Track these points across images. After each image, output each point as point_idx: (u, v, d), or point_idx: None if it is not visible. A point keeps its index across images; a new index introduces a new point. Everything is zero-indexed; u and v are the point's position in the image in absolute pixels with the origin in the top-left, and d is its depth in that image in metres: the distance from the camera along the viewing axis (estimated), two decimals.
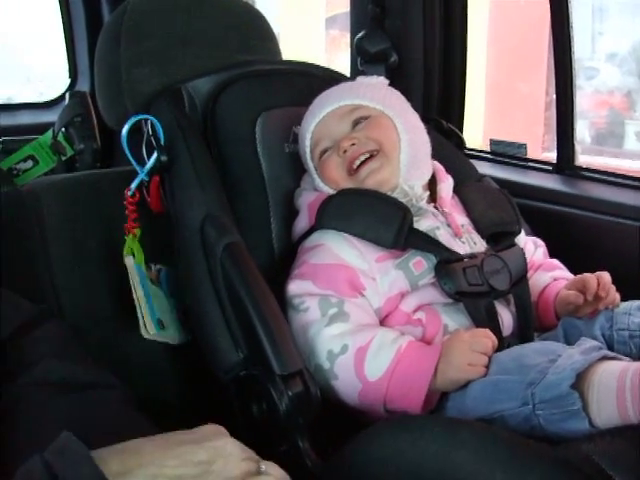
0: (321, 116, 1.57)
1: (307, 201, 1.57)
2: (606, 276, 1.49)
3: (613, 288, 1.48)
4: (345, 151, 1.52)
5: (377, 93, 1.60)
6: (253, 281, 1.39)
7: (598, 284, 1.47)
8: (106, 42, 1.72)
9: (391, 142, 1.54)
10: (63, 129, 2.15)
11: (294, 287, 1.45)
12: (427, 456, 1.11)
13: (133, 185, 1.51)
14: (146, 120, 1.57)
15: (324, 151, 1.56)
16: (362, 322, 1.39)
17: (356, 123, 1.55)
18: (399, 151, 1.54)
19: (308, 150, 1.58)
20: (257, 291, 1.38)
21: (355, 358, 1.34)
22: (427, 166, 1.62)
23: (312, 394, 1.31)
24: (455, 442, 1.11)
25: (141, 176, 1.52)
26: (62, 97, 2.73)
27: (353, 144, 1.52)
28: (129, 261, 1.51)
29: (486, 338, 1.32)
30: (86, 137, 2.16)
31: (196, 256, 1.44)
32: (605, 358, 1.17)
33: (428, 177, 1.61)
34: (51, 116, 2.41)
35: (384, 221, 1.46)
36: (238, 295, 1.38)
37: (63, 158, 2.14)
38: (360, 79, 1.68)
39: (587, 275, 1.51)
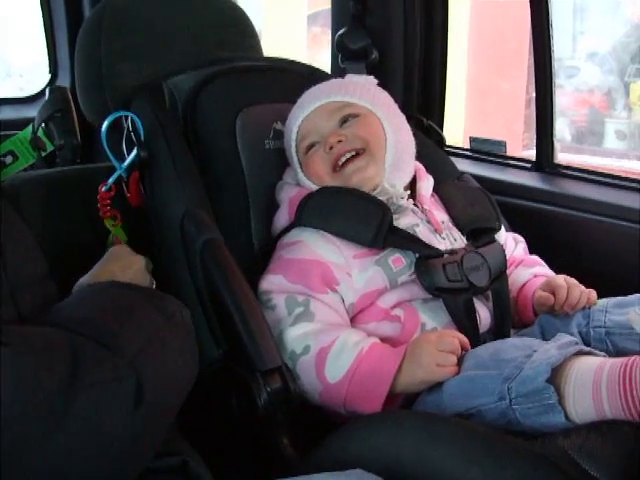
0: (309, 110, 1.57)
1: (288, 196, 1.57)
2: (574, 291, 1.49)
3: (585, 292, 1.49)
4: (332, 147, 1.52)
5: (366, 92, 1.60)
6: (232, 277, 1.40)
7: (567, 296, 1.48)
8: (87, 37, 1.72)
9: (378, 142, 1.55)
10: (43, 124, 2.13)
11: (264, 283, 1.45)
12: (404, 452, 1.12)
13: (110, 180, 1.51)
14: (126, 116, 1.57)
15: (310, 146, 1.56)
16: (328, 321, 1.39)
17: (344, 120, 1.56)
18: (385, 151, 1.55)
19: (294, 144, 1.59)
20: (236, 287, 1.38)
21: (316, 359, 1.34)
22: (410, 167, 1.63)
23: (291, 390, 1.32)
24: (432, 438, 1.11)
25: (119, 172, 1.52)
26: (42, 92, 2.70)
27: (340, 141, 1.52)
28: None
29: (453, 337, 1.32)
30: (66, 133, 2.14)
31: (176, 252, 1.45)
32: (581, 353, 1.18)
33: (410, 178, 1.62)
34: (31, 111, 2.39)
35: (363, 220, 1.46)
36: (217, 291, 1.38)
37: (43, 154, 2.12)
38: (349, 77, 1.68)
39: (558, 282, 1.51)
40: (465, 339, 1.33)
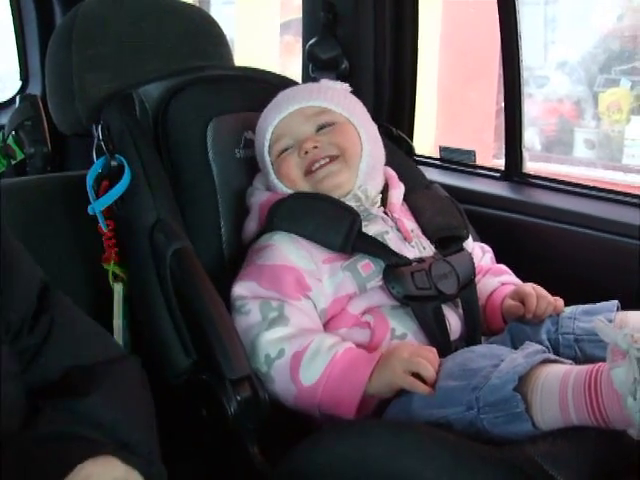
0: (287, 112, 1.57)
1: (259, 201, 1.58)
2: (541, 302, 1.50)
3: (551, 302, 1.50)
4: (306, 152, 1.52)
5: (344, 99, 1.61)
6: (202, 286, 1.40)
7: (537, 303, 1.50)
8: (57, 46, 1.71)
9: (353, 151, 1.55)
10: (13, 132, 2.13)
11: (238, 289, 1.45)
12: (373, 461, 1.12)
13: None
14: (96, 125, 1.57)
15: (284, 149, 1.56)
16: (303, 326, 1.40)
17: (321, 127, 1.56)
18: (359, 160, 1.55)
19: (267, 144, 1.58)
20: (206, 296, 1.39)
21: (291, 363, 1.35)
22: (381, 176, 1.64)
23: (261, 399, 1.33)
24: (400, 446, 1.12)
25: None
26: (12, 100, 2.70)
27: (315, 147, 1.52)
28: (118, 287, 1.51)
29: (424, 360, 1.29)
30: (37, 141, 2.14)
31: (145, 261, 1.45)
32: (548, 361, 1.19)
33: (381, 187, 1.62)
34: (1, 119, 2.39)
35: (333, 225, 1.47)
36: (187, 300, 1.39)
37: (13, 162, 2.12)
38: (325, 82, 1.68)
39: (527, 291, 1.53)
40: (436, 359, 1.31)
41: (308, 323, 1.42)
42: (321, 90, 1.61)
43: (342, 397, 1.32)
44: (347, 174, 1.54)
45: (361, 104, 1.67)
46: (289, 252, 1.46)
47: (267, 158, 1.58)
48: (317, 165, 1.53)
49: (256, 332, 1.39)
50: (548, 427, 1.14)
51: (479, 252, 1.73)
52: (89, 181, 1.51)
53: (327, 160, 1.53)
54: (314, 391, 1.33)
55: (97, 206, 1.50)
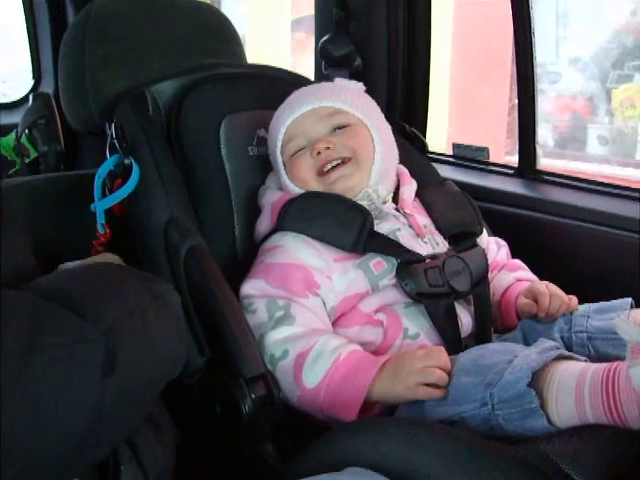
0: (300, 113, 1.56)
1: (270, 201, 1.57)
2: (555, 301, 1.49)
3: (565, 301, 1.49)
4: (319, 153, 1.51)
5: (357, 100, 1.60)
6: (216, 284, 1.40)
7: (550, 302, 1.49)
8: (70, 44, 1.72)
9: (366, 153, 1.54)
10: (26, 131, 2.14)
11: (246, 287, 1.45)
12: (387, 459, 1.11)
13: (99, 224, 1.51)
14: (109, 123, 1.57)
15: (297, 150, 1.55)
16: (309, 325, 1.39)
17: (335, 128, 1.55)
18: (372, 162, 1.54)
19: (280, 144, 1.57)
20: (220, 294, 1.38)
21: (294, 364, 1.34)
22: (393, 176, 1.63)
23: (275, 397, 1.32)
24: (415, 444, 1.11)
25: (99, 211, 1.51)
26: (26, 98, 2.71)
27: (328, 148, 1.52)
28: None
29: (440, 352, 1.29)
30: (50, 139, 2.14)
31: (159, 259, 1.45)
32: (561, 357, 1.19)
33: (393, 186, 1.62)
34: (14, 117, 2.39)
35: (344, 225, 1.46)
36: (202, 298, 1.39)
37: (26, 160, 2.12)
38: (338, 81, 1.67)
39: (540, 289, 1.52)
40: (448, 364, 1.29)
41: (315, 322, 1.41)
42: (335, 90, 1.60)
43: (344, 401, 1.30)
44: (359, 177, 1.53)
45: (375, 104, 1.66)
46: (298, 251, 1.46)
47: (279, 158, 1.58)
48: (329, 166, 1.52)
49: (262, 331, 1.38)
50: (563, 424, 1.14)
51: (494, 247, 1.72)
52: (97, 180, 1.51)
53: (339, 162, 1.52)
54: (316, 394, 1.32)
55: (100, 205, 1.50)
